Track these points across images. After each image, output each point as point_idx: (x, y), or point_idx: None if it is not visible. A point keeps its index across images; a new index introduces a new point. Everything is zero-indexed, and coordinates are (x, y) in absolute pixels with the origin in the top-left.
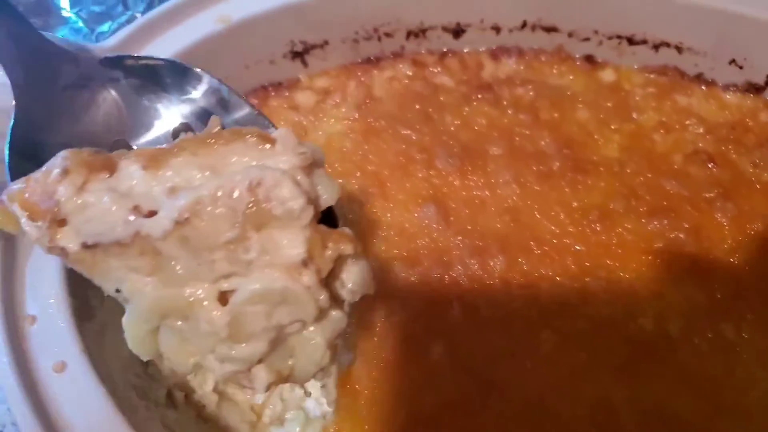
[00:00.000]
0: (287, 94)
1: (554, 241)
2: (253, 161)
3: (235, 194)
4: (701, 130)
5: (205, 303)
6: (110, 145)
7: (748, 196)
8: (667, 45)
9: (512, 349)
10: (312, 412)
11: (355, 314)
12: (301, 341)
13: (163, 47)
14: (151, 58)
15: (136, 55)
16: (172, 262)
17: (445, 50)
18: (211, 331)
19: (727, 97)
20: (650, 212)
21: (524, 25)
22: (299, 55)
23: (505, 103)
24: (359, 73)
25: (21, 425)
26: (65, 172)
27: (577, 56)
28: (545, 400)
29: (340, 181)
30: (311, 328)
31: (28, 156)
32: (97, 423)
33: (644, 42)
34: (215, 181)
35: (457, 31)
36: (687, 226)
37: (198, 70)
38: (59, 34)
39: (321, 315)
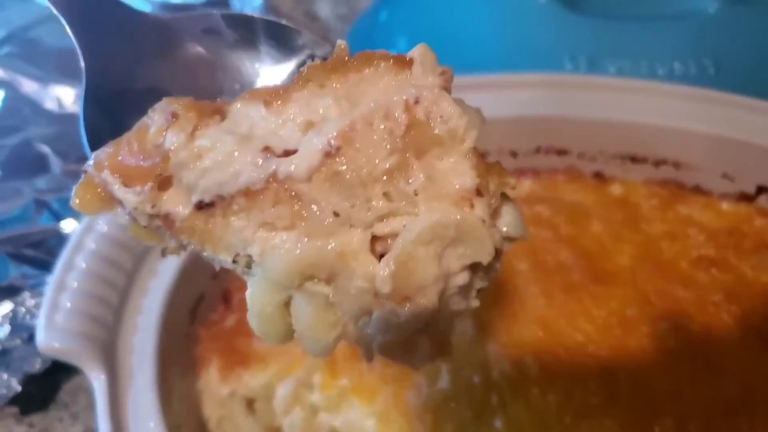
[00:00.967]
0: None
1: (580, 348)
2: (391, 87)
3: (391, 116)
4: (702, 238)
5: (360, 254)
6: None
7: (750, 298)
8: (666, 162)
9: None
10: None
11: None
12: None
13: None
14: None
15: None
16: (317, 207)
17: None
18: (368, 289)
19: (723, 206)
20: (663, 316)
21: (538, 149)
22: None
23: (526, 220)
24: None
25: None
26: (174, 116)
27: (588, 174)
28: None
29: None
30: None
31: (104, 126)
32: None
33: (645, 160)
34: (362, 107)
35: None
36: (696, 328)
37: (297, 28)
38: None
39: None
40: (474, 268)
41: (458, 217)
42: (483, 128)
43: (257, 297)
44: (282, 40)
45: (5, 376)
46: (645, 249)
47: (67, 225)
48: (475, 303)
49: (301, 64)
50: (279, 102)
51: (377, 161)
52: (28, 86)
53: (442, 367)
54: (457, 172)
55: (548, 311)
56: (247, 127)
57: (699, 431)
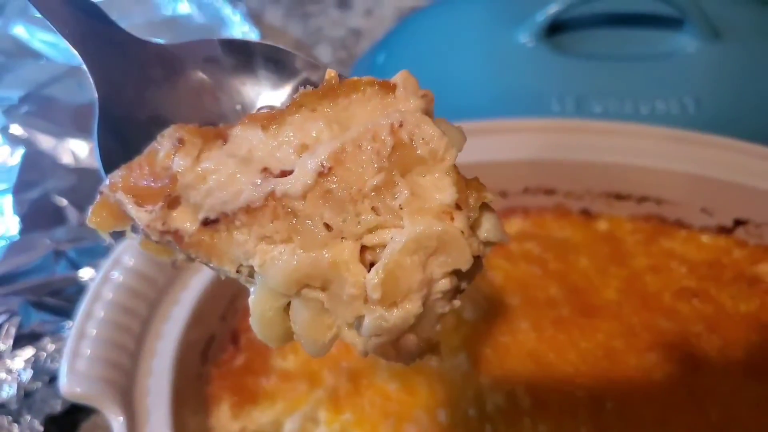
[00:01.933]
0: None
1: (569, 379)
2: (377, 110)
3: (378, 138)
4: (684, 270)
5: (351, 263)
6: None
7: (730, 328)
8: (648, 199)
9: None
10: None
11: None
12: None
13: None
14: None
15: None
16: (312, 222)
17: None
18: (359, 295)
19: (703, 239)
20: (648, 348)
21: (527, 190)
22: None
23: (517, 257)
24: None
25: None
26: (180, 142)
27: (575, 211)
28: None
29: None
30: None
31: (116, 146)
32: None
33: (629, 197)
34: (352, 131)
35: None
36: (680, 358)
37: (293, 51)
38: None
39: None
40: (455, 273)
41: (439, 229)
42: (464, 145)
43: (258, 303)
44: (279, 64)
45: (28, 417)
46: (630, 283)
47: (85, 273)
48: (456, 303)
49: (297, 88)
50: (275, 126)
51: (366, 179)
52: (46, 142)
53: (439, 403)
54: (439, 188)
55: (539, 344)
56: (246, 150)
57: None
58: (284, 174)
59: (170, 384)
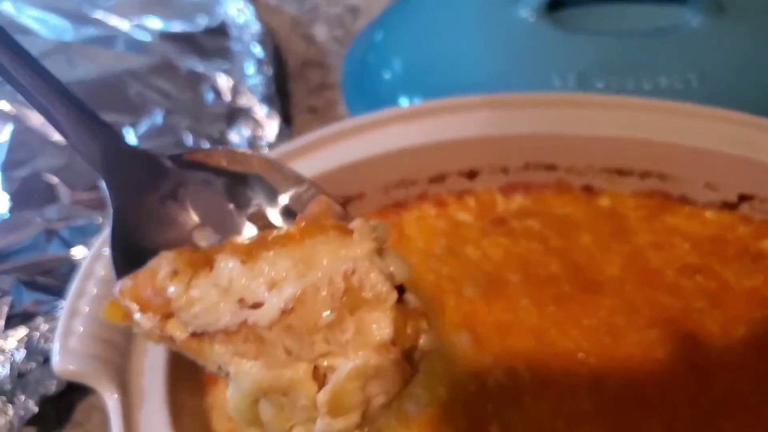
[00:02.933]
0: None
1: (571, 356)
2: (338, 250)
3: (334, 283)
4: (687, 246)
5: (305, 382)
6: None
7: (733, 304)
8: (651, 174)
9: None
10: None
11: None
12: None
13: None
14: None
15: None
16: (275, 347)
17: (462, 190)
18: (310, 405)
19: (707, 214)
20: (650, 324)
21: (528, 165)
22: (342, 205)
23: (517, 234)
24: (391, 215)
25: None
26: (174, 273)
27: (576, 187)
28: None
29: None
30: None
31: (128, 253)
32: None
33: (631, 173)
34: (313, 273)
35: (471, 175)
36: (682, 334)
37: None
38: None
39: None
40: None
41: (375, 362)
42: (408, 274)
43: (234, 398)
44: (269, 185)
45: (23, 398)
46: (632, 259)
47: (77, 252)
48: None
49: (285, 211)
50: (251, 261)
51: (321, 317)
52: (35, 118)
53: (438, 380)
54: (379, 326)
55: (540, 321)
56: (227, 281)
57: None
58: (256, 306)
59: (166, 362)
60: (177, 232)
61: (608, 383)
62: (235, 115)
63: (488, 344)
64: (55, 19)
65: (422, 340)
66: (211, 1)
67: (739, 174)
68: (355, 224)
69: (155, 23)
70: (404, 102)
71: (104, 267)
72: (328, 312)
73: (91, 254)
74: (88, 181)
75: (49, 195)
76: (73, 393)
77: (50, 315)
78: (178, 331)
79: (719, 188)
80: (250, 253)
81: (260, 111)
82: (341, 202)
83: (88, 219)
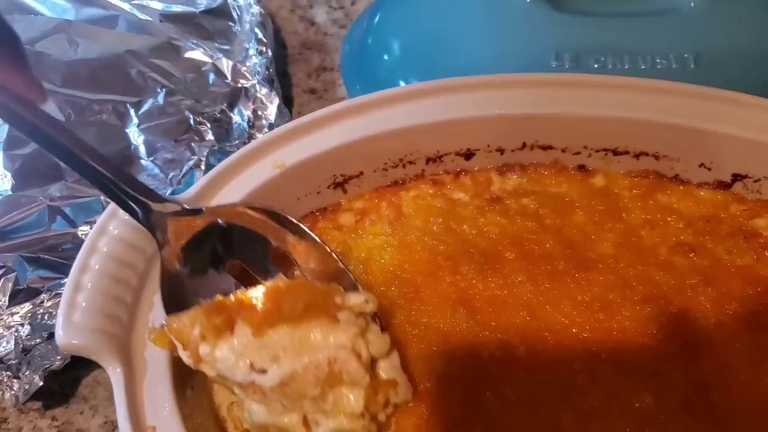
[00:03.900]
0: (332, 216)
1: (565, 331)
2: (327, 335)
3: (319, 367)
4: (681, 225)
5: (297, 427)
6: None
7: (725, 281)
8: (646, 154)
9: (539, 430)
10: None
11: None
12: None
13: (231, 194)
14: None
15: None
16: (275, 401)
17: (459, 170)
18: None
19: (701, 193)
20: (643, 300)
21: (524, 145)
22: (340, 185)
23: (513, 212)
24: (389, 195)
25: None
26: (203, 337)
27: (571, 167)
28: None
29: (382, 288)
30: None
31: (172, 296)
32: None
33: (626, 152)
34: (305, 356)
35: (468, 155)
36: (675, 310)
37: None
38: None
39: None
40: None
41: (349, 425)
42: (386, 350)
43: (249, 422)
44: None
45: (27, 373)
46: (626, 237)
47: (81, 230)
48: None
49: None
50: (260, 335)
51: (308, 390)
52: None
53: (435, 354)
54: (355, 400)
55: (534, 297)
56: (242, 348)
57: (678, 407)
58: (262, 371)
59: None
60: (209, 273)
61: (601, 357)
62: (236, 95)
63: (484, 319)
64: None
65: (392, 398)
66: None
67: (733, 153)
68: (342, 316)
69: (156, 4)
70: (402, 83)
71: (107, 243)
72: (314, 387)
73: (95, 230)
74: None
75: (52, 173)
76: (78, 368)
77: (54, 292)
78: (207, 369)
79: (713, 168)
80: (260, 328)
81: (260, 91)
82: (340, 180)
83: (93, 195)
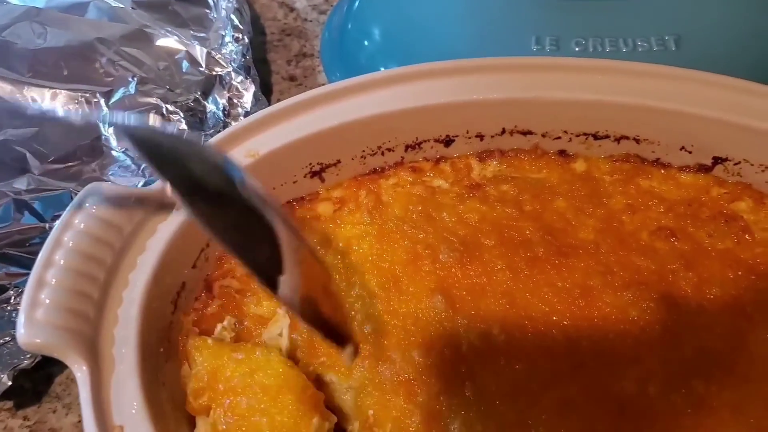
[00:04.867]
0: (309, 206)
1: (545, 318)
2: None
3: None
4: (662, 209)
5: None
6: None
7: (707, 265)
8: (627, 138)
9: (519, 419)
10: None
11: None
12: None
13: None
14: None
15: None
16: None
17: (438, 157)
18: None
19: (682, 177)
20: (624, 286)
21: (503, 131)
22: (317, 173)
23: (493, 199)
24: (368, 183)
25: None
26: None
27: (552, 152)
28: None
29: (361, 278)
30: None
31: None
32: None
33: (607, 137)
34: None
35: (447, 141)
36: (656, 296)
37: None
38: (110, 172)
39: None
40: None
41: None
42: None
43: None
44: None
45: None
46: (607, 222)
47: (50, 225)
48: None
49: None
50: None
51: None
52: (3, 88)
53: (413, 344)
54: None
55: (514, 284)
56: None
57: (658, 393)
58: None
59: (138, 332)
60: None
61: (582, 344)
62: (210, 83)
63: (462, 308)
64: None
65: None
66: None
67: (714, 136)
68: (314, 423)
69: None
70: (383, 69)
71: (73, 237)
72: None
73: (60, 224)
74: (59, 152)
75: (19, 166)
76: (50, 366)
77: (21, 288)
78: None
79: (694, 151)
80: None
81: (236, 79)
82: (317, 169)
83: (61, 189)
